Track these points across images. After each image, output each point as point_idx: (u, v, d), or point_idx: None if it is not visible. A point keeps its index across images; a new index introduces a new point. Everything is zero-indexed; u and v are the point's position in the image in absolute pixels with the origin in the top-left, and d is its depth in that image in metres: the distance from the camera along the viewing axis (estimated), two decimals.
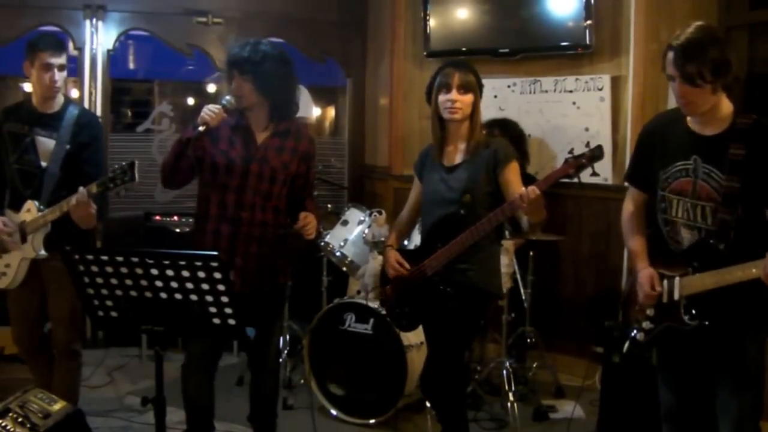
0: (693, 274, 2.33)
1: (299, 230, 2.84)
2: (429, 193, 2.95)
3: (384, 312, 3.24)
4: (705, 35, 2.26)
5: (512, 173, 2.81)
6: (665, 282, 2.40)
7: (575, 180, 2.54)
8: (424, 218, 2.98)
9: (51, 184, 3.14)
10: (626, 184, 2.69)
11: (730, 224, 2.28)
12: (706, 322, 2.29)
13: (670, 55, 2.26)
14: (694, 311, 2.31)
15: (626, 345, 2.49)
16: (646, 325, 2.44)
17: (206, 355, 2.99)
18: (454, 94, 2.82)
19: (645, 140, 2.56)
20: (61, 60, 3.15)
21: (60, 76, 3.15)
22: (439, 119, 2.89)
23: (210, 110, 2.78)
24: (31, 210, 3.12)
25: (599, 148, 2.53)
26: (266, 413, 3.14)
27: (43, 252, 3.12)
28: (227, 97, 2.86)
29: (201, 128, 2.76)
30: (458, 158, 2.89)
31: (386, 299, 3.08)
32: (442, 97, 2.84)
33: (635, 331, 2.47)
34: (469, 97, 2.83)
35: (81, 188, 2.92)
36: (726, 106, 2.34)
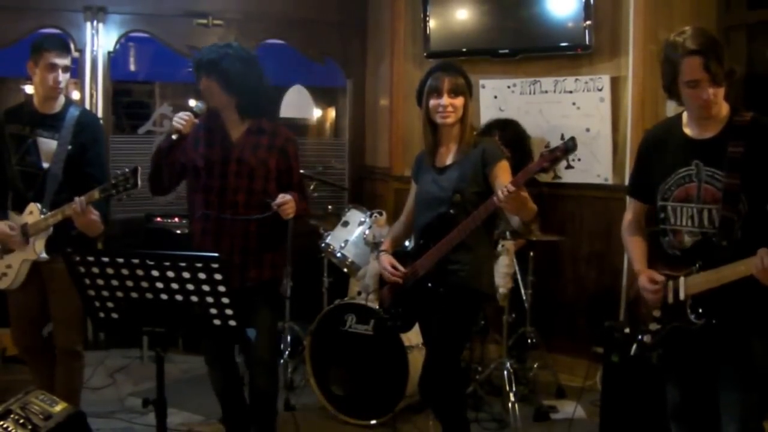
0: (697, 273, 2.33)
1: (276, 209, 2.88)
2: (421, 194, 2.97)
3: (381, 313, 3.25)
4: (713, 36, 2.29)
5: (502, 172, 2.82)
6: (670, 282, 2.40)
7: (550, 175, 2.56)
8: (417, 219, 3.00)
9: (53, 186, 3.14)
10: (628, 198, 2.69)
11: (733, 221, 2.28)
12: (713, 321, 2.28)
13: (694, 60, 2.24)
14: (700, 310, 2.30)
15: (634, 348, 2.49)
16: (652, 326, 2.43)
17: (219, 349, 3.08)
18: (445, 99, 2.83)
19: (644, 153, 2.57)
20: (66, 61, 3.16)
21: (64, 78, 3.17)
22: (430, 122, 2.91)
23: (180, 118, 2.89)
24: (33, 212, 3.12)
25: (572, 140, 2.54)
26: (263, 410, 3.11)
27: (44, 255, 3.13)
28: (198, 104, 2.97)
29: (174, 137, 2.88)
30: (449, 159, 2.91)
31: (383, 300, 3.09)
32: (433, 102, 2.86)
33: (641, 334, 2.47)
34: (459, 100, 2.85)
35: (77, 198, 2.95)
36: (724, 106, 2.35)
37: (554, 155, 2.54)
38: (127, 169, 2.85)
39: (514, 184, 2.54)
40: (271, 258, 3.06)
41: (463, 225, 2.76)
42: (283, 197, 2.91)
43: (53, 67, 3.12)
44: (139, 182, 2.83)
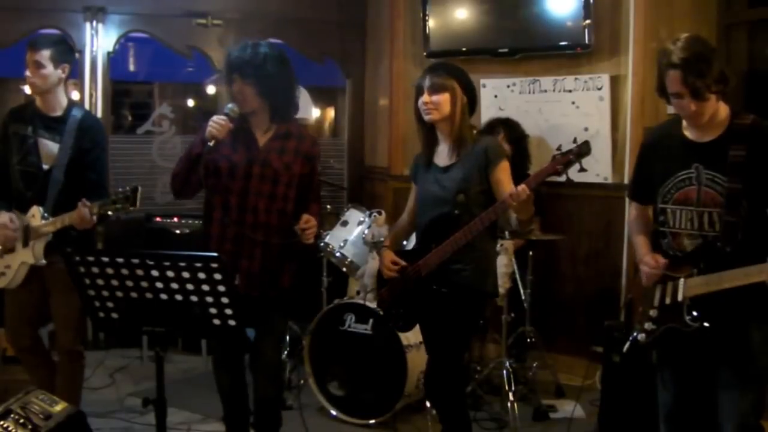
0: (697, 275, 2.33)
1: (299, 232, 2.82)
2: (423, 194, 2.97)
3: (381, 313, 3.25)
4: (703, 47, 2.28)
5: (503, 172, 2.83)
6: (669, 283, 2.39)
7: (563, 178, 2.57)
8: (419, 218, 2.99)
9: (55, 189, 3.13)
10: (629, 200, 2.69)
11: (736, 226, 2.28)
12: (706, 324, 2.28)
13: (675, 73, 2.25)
14: (696, 313, 2.30)
15: (626, 345, 2.49)
16: (648, 326, 2.43)
17: (227, 351, 3.04)
18: (425, 96, 2.85)
19: (644, 156, 2.58)
20: (34, 56, 3.09)
21: (34, 73, 3.11)
22: (421, 121, 2.93)
23: (216, 123, 2.78)
24: (35, 216, 3.12)
25: (586, 144, 2.55)
26: (268, 416, 3.07)
27: (43, 261, 3.13)
28: (230, 106, 2.85)
29: (210, 143, 2.78)
30: (450, 158, 2.90)
31: (383, 300, 3.09)
32: (419, 101, 2.88)
33: (636, 333, 2.47)
34: (441, 97, 2.84)
35: (81, 207, 2.92)
36: (723, 109, 2.36)
37: (567, 158, 2.54)
38: (128, 188, 2.83)
39: (528, 187, 2.55)
40: (289, 266, 2.98)
41: (470, 227, 2.75)
42: (308, 220, 2.81)
43: (26, 63, 3.11)
44: (138, 203, 2.81)
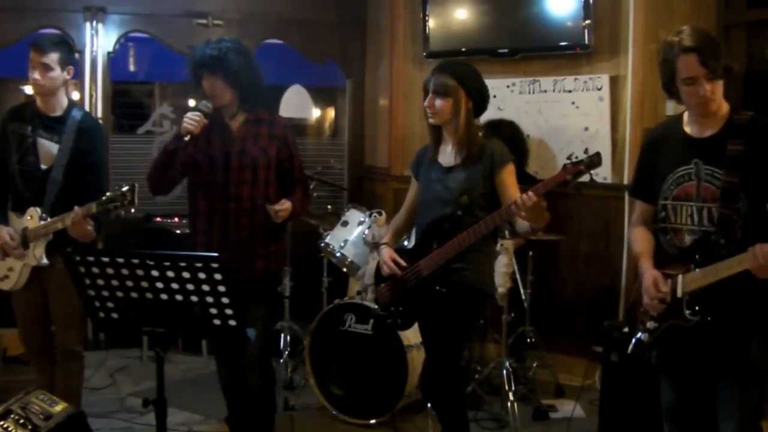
0: (694, 269, 2.33)
1: (271, 212, 2.90)
2: (425, 193, 2.96)
3: (380, 311, 3.25)
4: (709, 34, 2.31)
5: (508, 175, 2.83)
6: (668, 281, 2.40)
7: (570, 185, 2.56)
8: (420, 218, 2.99)
9: (54, 190, 3.13)
10: (632, 198, 2.68)
11: (731, 219, 2.29)
12: (709, 318, 2.28)
13: (691, 57, 2.26)
14: (696, 307, 2.30)
15: (630, 347, 2.48)
16: (650, 325, 2.43)
17: (229, 347, 3.06)
18: (428, 100, 2.85)
19: (645, 153, 2.58)
20: (42, 59, 3.09)
21: (42, 76, 3.11)
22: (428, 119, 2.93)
23: (191, 118, 2.86)
24: (33, 217, 3.12)
25: (598, 155, 2.53)
26: (256, 407, 3.05)
27: (45, 261, 3.13)
28: (204, 102, 2.94)
29: (186, 138, 2.86)
30: (455, 159, 2.90)
31: (381, 298, 3.09)
32: (425, 101, 2.88)
33: (640, 333, 2.46)
34: (444, 102, 2.83)
35: (76, 208, 2.94)
36: (724, 105, 2.37)
37: (578, 169, 2.53)
38: (125, 187, 2.83)
39: (535, 194, 2.53)
40: (276, 249, 3.08)
41: (474, 229, 2.74)
42: (284, 203, 2.93)
43: (32, 65, 3.11)
44: (136, 200, 2.81)
